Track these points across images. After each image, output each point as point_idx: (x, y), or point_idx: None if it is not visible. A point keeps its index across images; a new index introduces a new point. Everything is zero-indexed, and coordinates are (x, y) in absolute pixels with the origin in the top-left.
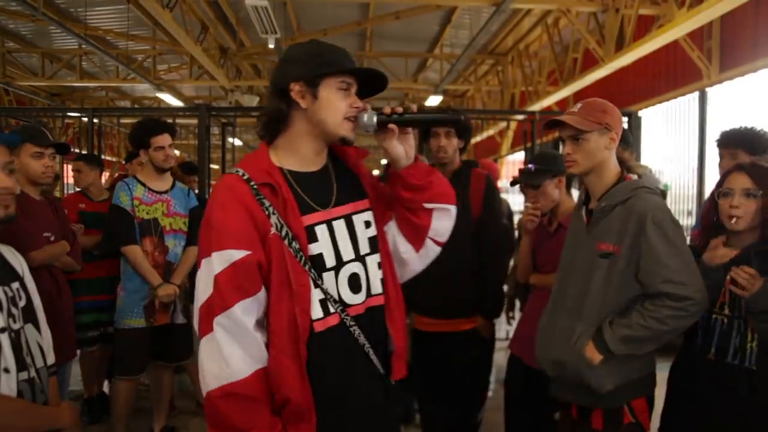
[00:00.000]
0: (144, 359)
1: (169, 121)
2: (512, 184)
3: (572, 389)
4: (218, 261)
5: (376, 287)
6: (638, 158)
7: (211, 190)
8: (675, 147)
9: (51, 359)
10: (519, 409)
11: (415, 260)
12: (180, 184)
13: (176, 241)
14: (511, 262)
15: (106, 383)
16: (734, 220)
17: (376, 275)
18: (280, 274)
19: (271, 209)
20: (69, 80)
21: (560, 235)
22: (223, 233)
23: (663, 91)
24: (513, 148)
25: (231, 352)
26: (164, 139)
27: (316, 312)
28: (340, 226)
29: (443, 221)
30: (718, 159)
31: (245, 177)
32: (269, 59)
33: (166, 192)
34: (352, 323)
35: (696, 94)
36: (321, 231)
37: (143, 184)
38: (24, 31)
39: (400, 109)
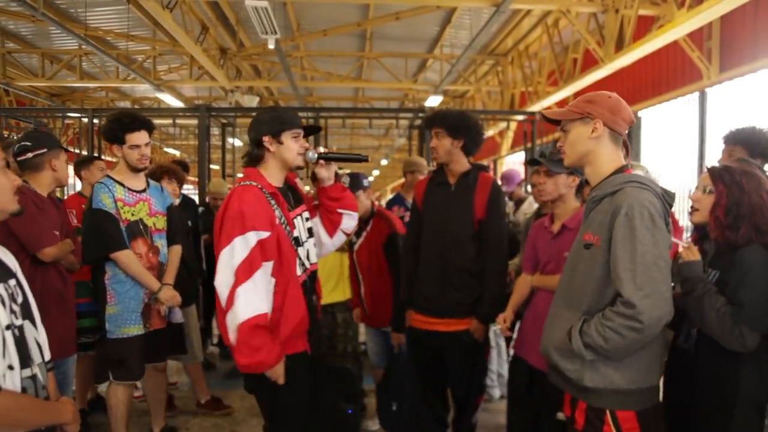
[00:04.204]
0: (143, 363)
1: (169, 121)
2: (530, 163)
3: (561, 376)
4: (254, 236)
5: (313, 258)
6: (638, 158)
7: (228, 194)
8: (675, 147)
9: (47, 355)
10: (522, 410)
11: (328, 243)
12: (153, 181)
13: (162, 241)
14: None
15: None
16: (692, 212)
17: (312, 251)
18: (282, 247)
19: (275, 206)
20: (69, 81)
21: (564, 236)
22: (257, 219)
23: (663, 91)
24: (513, 149)
25: (264, 293)
26: (140, 137)
27: (299, 271)
28: (299, 220)
29: (349, 221)
30: (718, 157)
31: (258, 186)
32: (269, 59)
33: (144, 191)
34: (306, 279)
35: (696, 94)
36: (297, 222)
37: (121, 184)
38: (24, 32)
39: (323, 150)
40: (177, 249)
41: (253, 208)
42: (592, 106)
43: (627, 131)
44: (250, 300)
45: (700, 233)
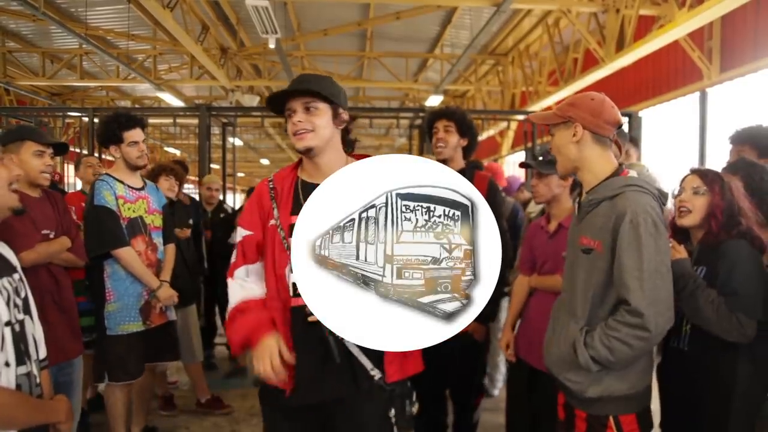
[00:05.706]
0: (142, 361)
1: (169, 120)
2: (522, 165)
3: (563, 386)
4: (239, 233)
5: None
6: (638, 158)
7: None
8: (675, 147)
9: (43, 352)
10: (521, 410)
11: None
12: (148, 180)
13: (159, 239)
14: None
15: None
16: (683, 215)
17: None
18: (271, 253)
19: (275, 205)
20: (69, 80)
21: (561, 236)
22: (244, 215)
23: (663, 91)
24: (513, 149)
25: (236, 293)
26: (138, 134)
27: (292, 291)
28: None
29: None
30: (719, 158)
31: (269, 179)
32: (270, 59)
33: (142, 189)
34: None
35: (696, 94)
36: None
37: (121, 182)
38: (25, 31)
39: None
40: (172, 247)
41: (249, 202)
42: (573, 110)
43: (614, 133)
44: (234, 292)
45: (678, 234)
